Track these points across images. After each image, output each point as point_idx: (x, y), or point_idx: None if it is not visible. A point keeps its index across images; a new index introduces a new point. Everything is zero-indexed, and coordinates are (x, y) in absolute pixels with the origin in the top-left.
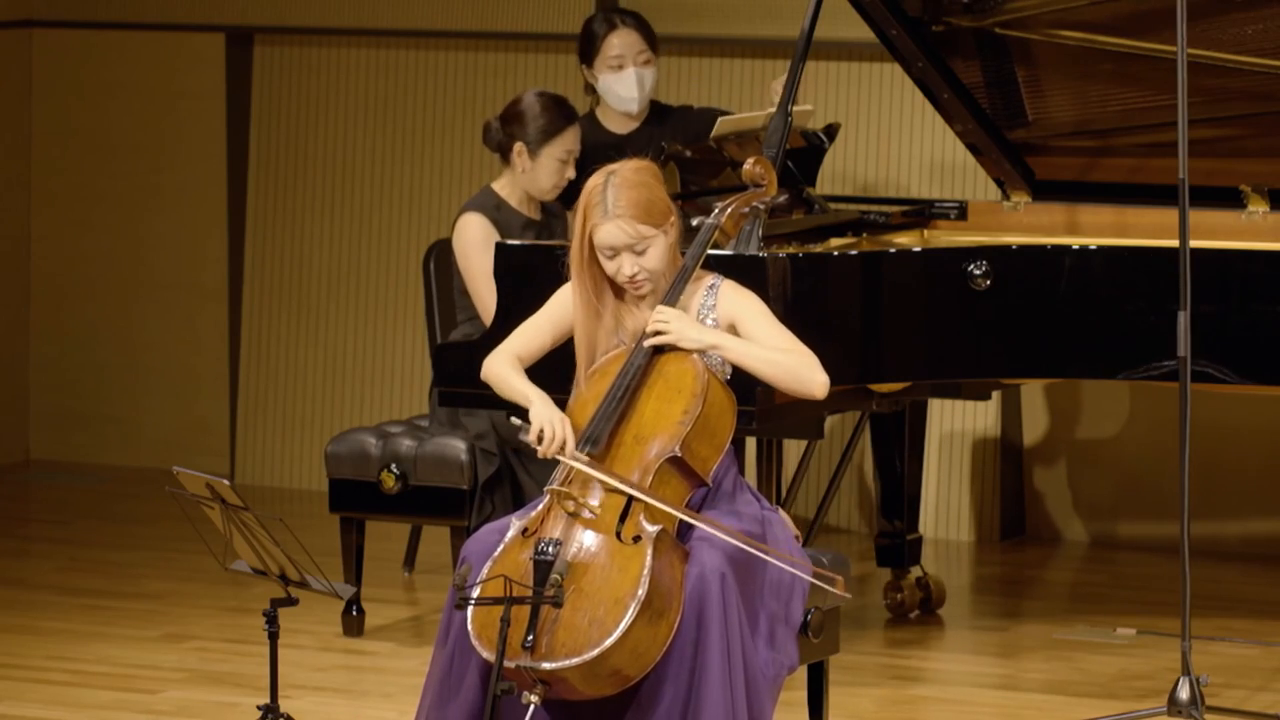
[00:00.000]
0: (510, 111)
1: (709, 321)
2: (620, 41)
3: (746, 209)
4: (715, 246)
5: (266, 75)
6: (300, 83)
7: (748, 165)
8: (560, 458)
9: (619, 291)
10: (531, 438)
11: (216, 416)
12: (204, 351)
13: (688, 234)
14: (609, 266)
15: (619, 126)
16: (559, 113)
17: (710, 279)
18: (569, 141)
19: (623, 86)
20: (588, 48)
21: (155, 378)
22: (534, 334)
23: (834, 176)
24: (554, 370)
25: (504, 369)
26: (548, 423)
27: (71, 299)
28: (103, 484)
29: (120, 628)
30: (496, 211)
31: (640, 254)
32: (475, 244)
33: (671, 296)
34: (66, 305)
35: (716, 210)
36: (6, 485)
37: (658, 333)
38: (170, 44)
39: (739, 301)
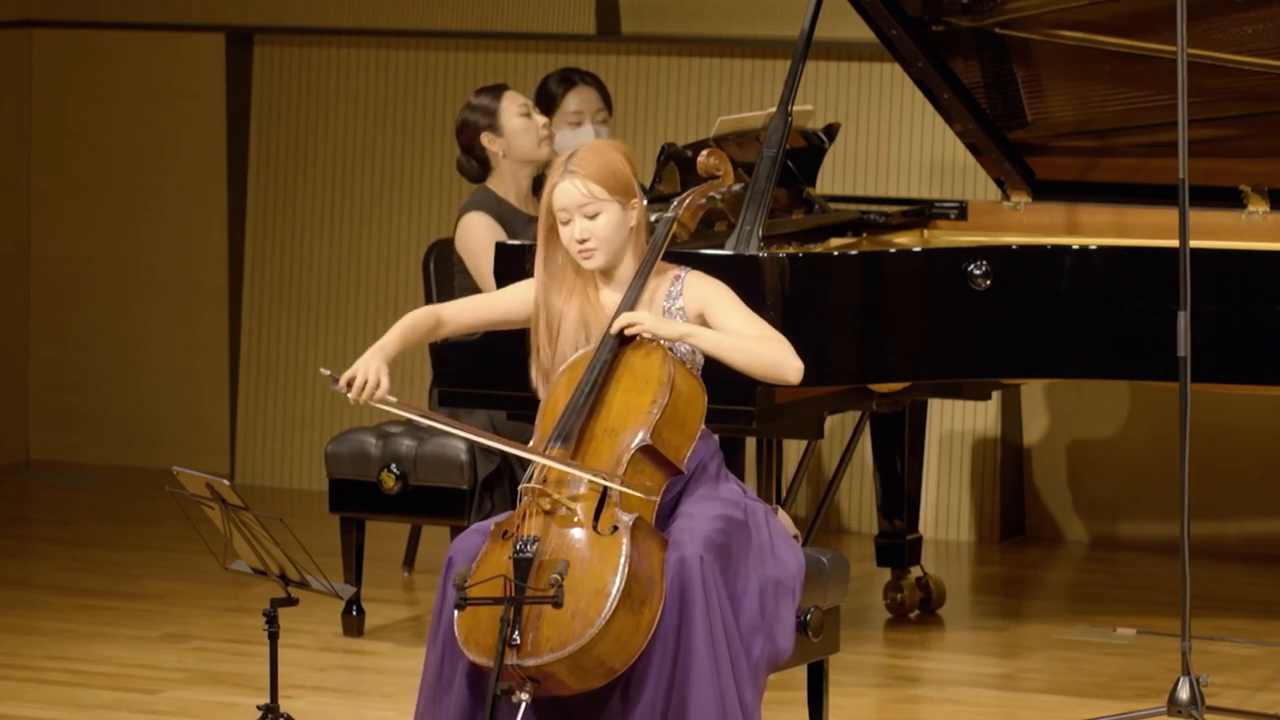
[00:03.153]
0: (459, 128)
1: (675, 311)
2: (578, 99)
3: (703, 200)
4: (674, 240)
5: (266, 75)
6: (300, 83)
7: (702, 157)
8: (376, 404)
9: (577, 276)
10: (341, 384)
11: (216, 416)
12: (204, 351)
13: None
14: (564, 234)
15: None
16: (488, 90)
17: (675, 270)
18: (514, 99)
19: (581, 142)
20: (545, 105)
21: (155, 378)
22: (475, 306)
23: (834, 176)
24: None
25: (403, 320)
26: (361, 370)
27: (71, 299)
28: (103, 484)
29: (120, 628)
30: (499, 208)
31: (591, 218)
32: (483, 242)
33: (634, 290)
34: (66, 305)
35: (674, 204)
36: (6, 485)
37: (631, 326)
38: (170, 44)
39: (707, 290)
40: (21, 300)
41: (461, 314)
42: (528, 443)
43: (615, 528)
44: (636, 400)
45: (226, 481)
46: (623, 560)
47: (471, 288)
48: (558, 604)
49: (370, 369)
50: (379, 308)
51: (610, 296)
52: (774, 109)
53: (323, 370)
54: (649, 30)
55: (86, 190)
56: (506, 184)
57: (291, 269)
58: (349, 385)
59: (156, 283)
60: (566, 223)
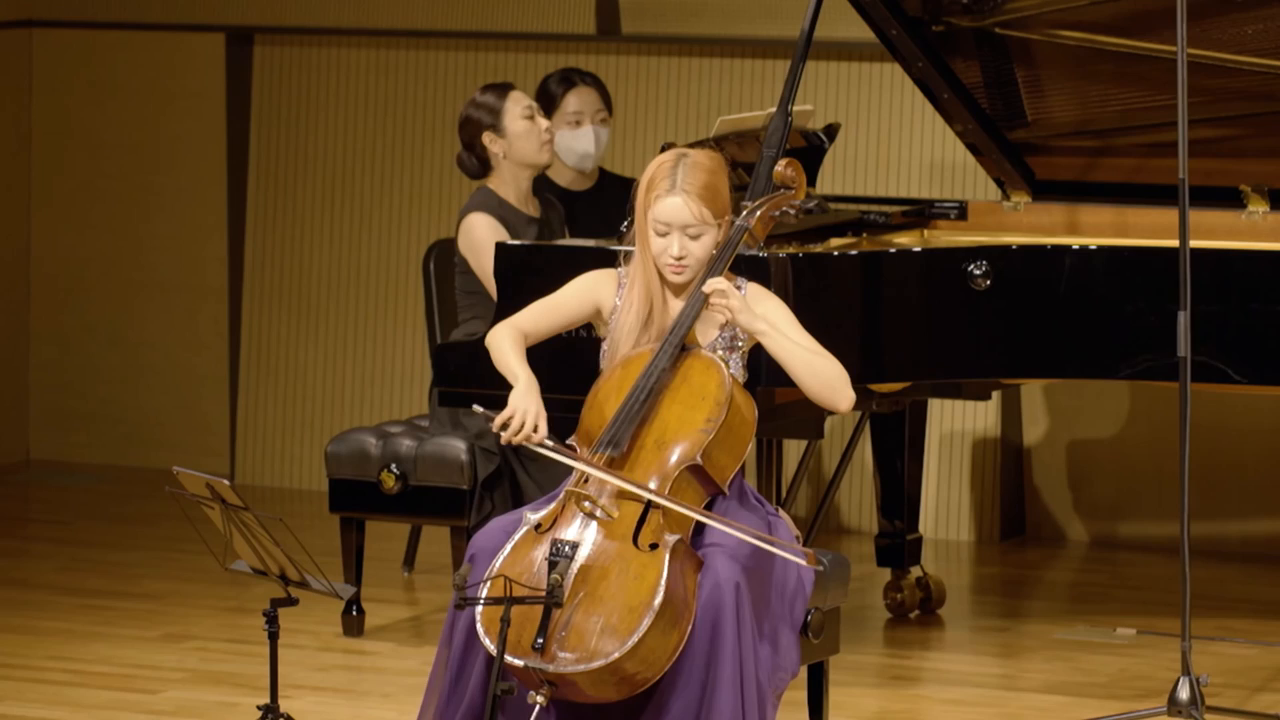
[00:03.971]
0: (461, 124)
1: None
2: (578, 99)
3: (776, 212)
4: (744, 248)
5: (266, 75)
6: (300, 83)
7: (779, 167)
8: (531, 447)
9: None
10: (496, 424)
11: (216, 416)
12: (204, 351)
13: None
14: (656, 244)
15: (569, 184)
16: (494, 89)
17: (737, 281)
18: (520, 99)
19: (580, 143)
20: (545, 105)
21: (155, 378)
22: (545, 313)
23: (834, 176)
24: (562, 370)
25: (505, 343)
26: (519, 411)
27: (71, 299)
28: (103, 484)
29: (120, 628)
30: (500, 209)
31: (693, 239)
32: (487, 242)
33: (696, 297)
34: (66, 305)
35: (745, 212)
36: (6, 485)
37: (721, 294)
38: (170, 44)
39: (767, 306)
40: (21, 300)
41: (537, 324)
42: (571, 432)
43: (655, 545)
44: (691, 415)
45: (226, 481)
46: (662, 581)
47: (473, 288)
48: (558, 604)
49: (530, 412)
50: (379, 308)
51: (674, 302)
52: (774, 109)
53: (476, 408)
54: (649, 30)
55: (86, 190)
56: (506, 184)
57: (291, 269)
58: (504, 425)
59: (156, 283)
60: (664, 234)
